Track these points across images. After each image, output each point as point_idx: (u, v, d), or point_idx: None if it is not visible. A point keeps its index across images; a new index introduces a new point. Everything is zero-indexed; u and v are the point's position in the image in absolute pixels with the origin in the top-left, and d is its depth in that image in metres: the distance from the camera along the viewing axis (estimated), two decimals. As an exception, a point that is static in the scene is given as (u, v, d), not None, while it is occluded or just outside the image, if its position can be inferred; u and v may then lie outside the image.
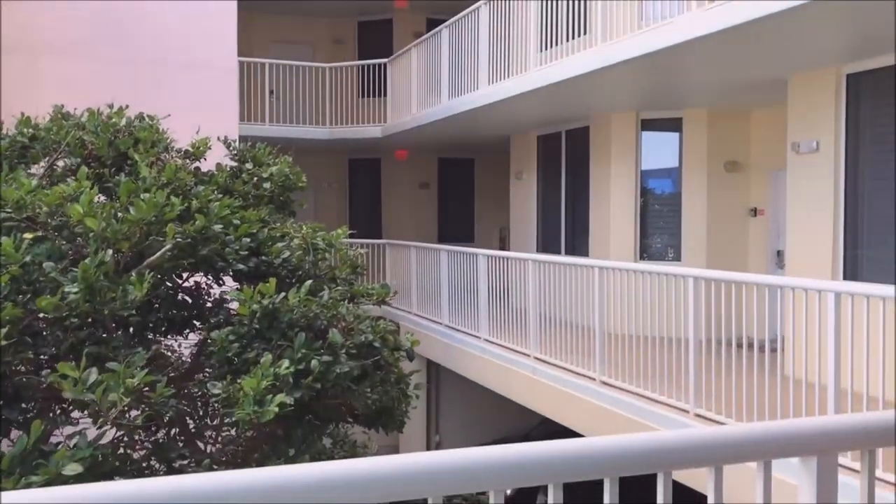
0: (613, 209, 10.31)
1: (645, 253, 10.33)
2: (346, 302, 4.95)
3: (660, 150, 10.35)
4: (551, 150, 11.90)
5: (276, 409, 3.79)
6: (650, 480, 1.82)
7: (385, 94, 14.54)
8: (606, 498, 1.75)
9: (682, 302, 6.13)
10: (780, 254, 8.85)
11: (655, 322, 6.52)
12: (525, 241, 12.47)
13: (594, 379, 7.07)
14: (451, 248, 10.61)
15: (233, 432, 4.67)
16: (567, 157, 11.49)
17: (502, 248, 15.08)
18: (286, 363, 4.03)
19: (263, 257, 5.04)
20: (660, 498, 1.76)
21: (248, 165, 6.10)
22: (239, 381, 4.03)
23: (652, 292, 6.61)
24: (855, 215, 7.06)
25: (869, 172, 6.97)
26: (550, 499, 1.72)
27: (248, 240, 4.95)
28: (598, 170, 10.61)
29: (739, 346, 5.76)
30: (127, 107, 6.00)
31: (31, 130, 5.72)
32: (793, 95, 7.57)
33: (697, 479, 1.79)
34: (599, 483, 1.77)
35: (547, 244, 11.94)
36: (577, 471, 1.74)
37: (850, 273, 7.04)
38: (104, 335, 4.50)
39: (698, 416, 5.90)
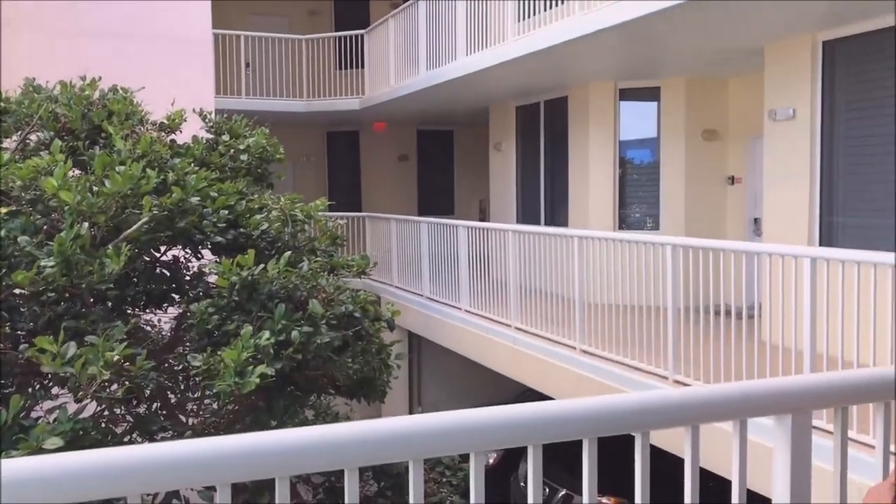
0: (592, 179, 10.33)
1: (624, 222, 10.37)
2: (326, 273, 4.94)
3: (638, 120, 10.36)
4: (530, 121, 11.88)
5: (257, 381, 3.79)
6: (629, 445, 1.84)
7: (363, 66, 14.41)
8: (585, 458, 1.77)
9: (660, 270, 6.18)
10: (757, 221, 8.93)
11: (635, 290, 6.57)
12: (505, 212, 12.48)
13: (574, 348, 7.13)
14: (432, 220, 10.60)
15: (214, 405, 4.67)
16: (546, 128, 11.48)
17: (482, 220, 15.09)
18: (266, 334, 4.02)
19: (242, 229, 5.01)
20: (637, 459, 1.78)
21: (225, 137, 6.04)
22: (219, 353, 4.02)
23: (631, 261, 6.65)
24: (830, 182, 7.12)
25: (844, 139, 7.02)
26: (530, 460, 1.73)
27: (226, 212, 4.92)
28: (576, 140, 10.61)
29: (717, 313, 5.81)
30: (100, 79, 5.90)
31: (1, 104, 5.62)
32: (769, 63, 7.59)
33: (674, 442, 1.81)
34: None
35: (527, 215, 11.95)
36: (555, 432, 1.75)
37: (826, 239, 7.12)
38: (82, 309, 4.47)
39: (677, 382, 5.97)
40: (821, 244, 7.12)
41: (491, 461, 9.68)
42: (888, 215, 6.56)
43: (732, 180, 9.61)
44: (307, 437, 1.63)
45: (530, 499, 1.76)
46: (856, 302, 4.54)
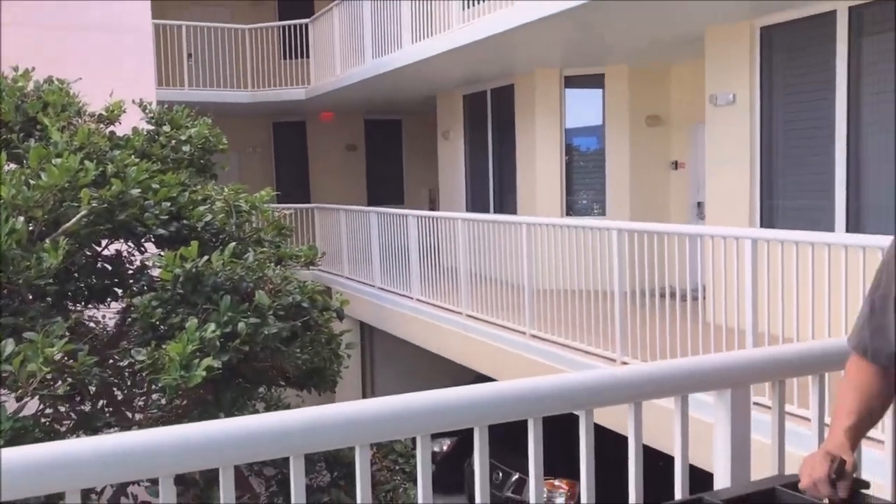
0: (539, 167, 10.40)
1: (572, 209, 10.48)
2: (273, 264, 4.88)
3: (584, 107, 10.46)
4: (477, 109, 11.90)
5: (204, 374, 3.74)
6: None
7: (308, 56, 14.25)
8: (531, 438, 1.79)
9: (607, 255, 6.26)
10: (700, 205, 9.09)
11: (583, 275, 6.65)
12: (454, 200, 12.49)
13: (524, 333, 7.20)
14: (381, 210, 10.56)
15: (162, 400, 4.60)
16: (493, 116, 11.51)
17: (432, 209, 15.09)
18: (212, 326, 3.97)
19: (185, 221, 4.92)
20: (582, 437, 1.80)
21: (166, 128, 5.92)
22: (164, 346, 3.95)
23: (578, 247, 6.72)
24: (770, 165, 7.28)
25: (783, 123, 7.19)
26: (476, 442, 1.74)
27: (168, 204, 4.82)
28: (523, 128, 10.66)
29: (663, 295, 5.92)
30: (33, 69, 5.73)
31: (-71, 96, 5.41)
32: (709, 49, 7.72)
33: (618, 420, 1.84)
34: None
35: (476, 203, 11.99)
36: (499, 413, 1.77)
37: (767, 221, 7.29)
38: (20, 305, 4.35)
39: (625, 363, 6.06)
40: (762, 226, 7.28)
41: (445, 448, 9.71)
42: (825, 196, 6.74)
43: (676, 165, 9.77)
44: (249, 425, 1.61)
45: (477, 480, 1.77)
46: (795, 280, 4.66)
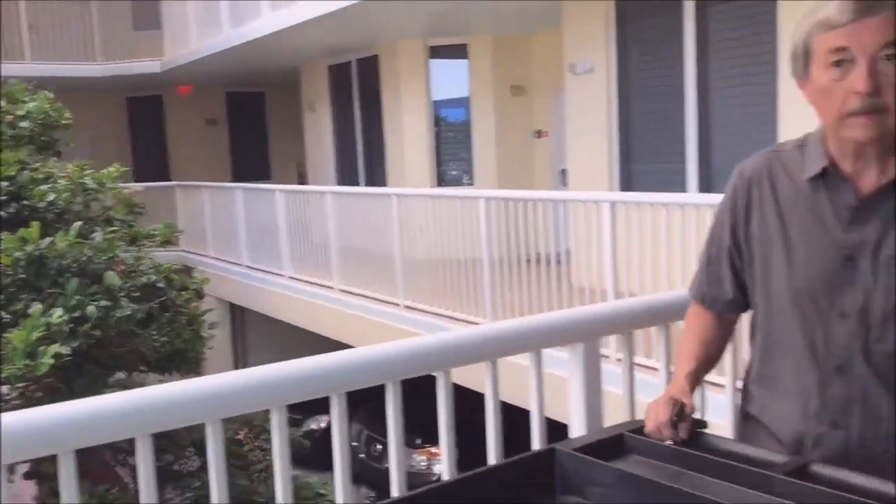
0: (408, 138, 10.37)
1: (443, 180, 10.54)
2: (125, 244, 4.64)
3: (451, 79, 10.48)
4: (343, 81, 11.71)
5: (52, 361, 3.51)
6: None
7: (162, 26, 13.58)
8: (389, 402, 1.76)
9: (476, 224, 6.34)
10: (563, 172, 9.33)
11: (454, 245, 6.72)
12: (324, 174, 12.30)
13: (398, 304, 7.21)
14: (247, 186, 10.26)
15: (5, 389, 4.30)
16: (360, 87, 11.36)
17: (301, 183, 14.79)
18: (59, 311, 3.73)
19: (25, 201, 4.59)
20: (441, 397, 1.80)
21: (2, 103, 5.49)
22: (7, 334, 3.69)
23: (449, 217, 6.79)
24: (627, 132, 7.55)
25: (639, 90, 7.46)
26: (334, 410, 1.70)
27: (6, 183, 4.48)
28: (390, 99, 10.59)
29: (530, 261, 6.06)
30: None
31: None
32: (567, 18, 7.89)
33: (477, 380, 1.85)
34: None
35: (345, 176, 11.85)
36: (356, 379, 1.73)
37: (625, 186, 7.56)
38: None
39: (495, 329, 6.17)
40: (621, 190, 7.55)
41: (324, 424, 9.64)
42: (678, 161, 7.06)
43: (539, 134, 9.97)
44: (89, 408, 1.52)
45: (336, 451, 1.73)
46: (650, 240, 4.86)
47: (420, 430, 7.58)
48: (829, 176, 1.43)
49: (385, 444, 8.09)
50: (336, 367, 1.71)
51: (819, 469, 1.33)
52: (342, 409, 1.72)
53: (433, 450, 7.64)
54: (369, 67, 10.98)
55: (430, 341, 1.80)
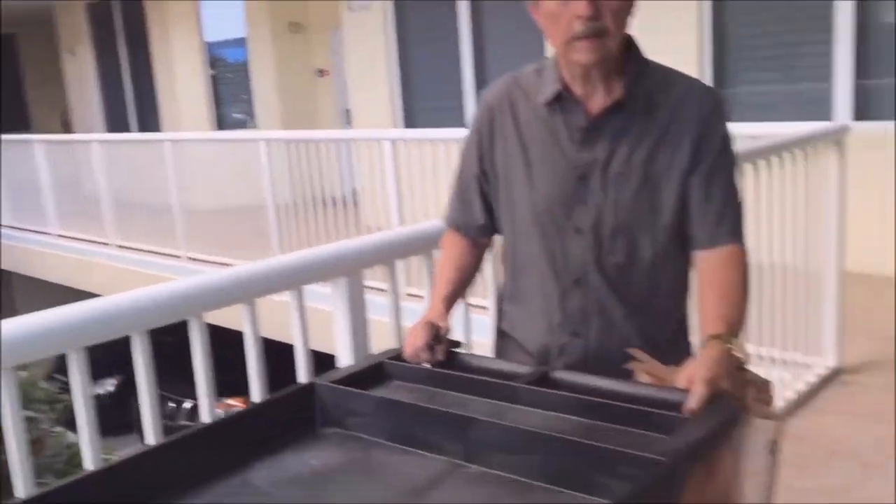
0: (181, 83, 9.79)
1: (225, 123, 10.07)
2: None
3: (227, 18, 9.95)
4: (105, 22, 10.80)
5: None
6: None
7: None
8: (136, 354, 1.64)
9: (258, 168, 6.14)
10: (348, 112, 9.22)
11: (238, 192, 6.48)
12: (91, 122, 11.37)
13: (180, 257, 6.88)
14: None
15: None
16: (125, 30, 10.52)
17: (67, 133, 13.58)
18: None
19: None
20: (196, 342, 1.70)
21: None
22: None
23: (230, 163, 6.52)
24: (408, 70, 7.57)
25: (416, 30, 7.47)
26: (72, 367, 1.56)
27: None
28: (159, 42, 9.92)
29: (325, 204, 5.98)
30: None
31: None
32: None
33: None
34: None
35: (115, 125, 11.02)
36: (99, 332, 1.59)
37: (409, 124, 7.61)
38: None
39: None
40: (406, 128, 7.59)
41: (111, 389, 9.13)
42: (455, 97, 7.19)
43: (322, 73, 9.75)
44: None
45: (78, 408, 1.58)
46: (431, 175, 4.93)
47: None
48: (563, 99, 1.48)
49: (176, 402, 7.80)
50: (74, 322, 1.56)
51: (560, 376, 1.39)
52: (82, 366, 1.58)
53: (231, 402, 7.44)
54: (134, 9, 10.18)
55: (179, 287, 1.69)
